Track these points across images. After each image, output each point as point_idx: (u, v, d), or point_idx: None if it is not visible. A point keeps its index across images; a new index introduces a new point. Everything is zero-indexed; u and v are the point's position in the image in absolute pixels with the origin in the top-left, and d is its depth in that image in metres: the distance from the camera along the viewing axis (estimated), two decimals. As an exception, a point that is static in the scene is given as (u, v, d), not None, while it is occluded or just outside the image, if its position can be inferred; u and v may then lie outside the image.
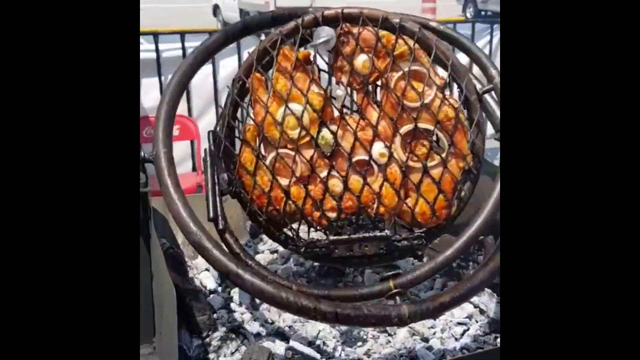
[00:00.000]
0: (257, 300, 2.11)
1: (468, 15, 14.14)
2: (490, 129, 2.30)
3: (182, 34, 3.48)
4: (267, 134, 1.45)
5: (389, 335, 1.95)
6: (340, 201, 1.50)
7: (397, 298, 1.44)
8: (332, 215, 1.51)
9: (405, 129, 1.49)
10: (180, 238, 2.37)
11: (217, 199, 1.50)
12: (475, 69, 1.92)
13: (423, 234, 1.60)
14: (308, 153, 1.46)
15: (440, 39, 1.55)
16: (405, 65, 1.47)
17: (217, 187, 1.51)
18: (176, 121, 1.67)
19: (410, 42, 1.46)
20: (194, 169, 3.57)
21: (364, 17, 1.46)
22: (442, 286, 2.18)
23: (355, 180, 1.50)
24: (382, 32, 1.47)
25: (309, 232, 1.56)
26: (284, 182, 1.47)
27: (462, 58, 1.99)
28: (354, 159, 1.49)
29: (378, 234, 1.57)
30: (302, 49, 1.52)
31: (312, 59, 1.52)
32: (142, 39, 3.30)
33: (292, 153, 1.46)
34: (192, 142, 3.52)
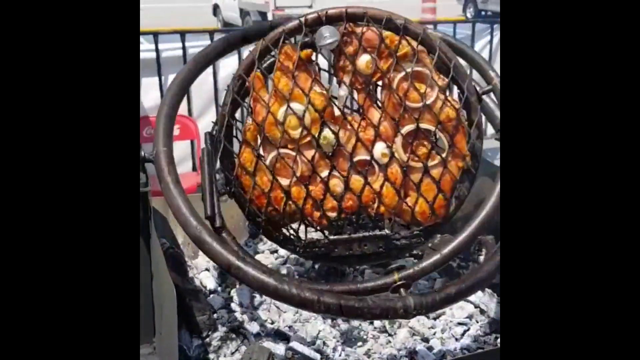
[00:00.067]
0: (257, 300, 2.12)
1: (468, 15, 14.13)
2: (489, 129, 2.30)
3: (182, 34, 3.48)
4: (268, 134, 1.44)
5: (389, 335, 1.95)
6: (341, 201, 1.50)
7: (402, 290, 1.41)
8: (333, 215, 1.51)
9: (406, 129, 1.49)
10: (180, 238, 2.37)
11: (215, 197, 1.50)
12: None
13: (421, 233, 1.60)
14: (308, 153, 1.46)
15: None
16: (408, 65, 1.46)
17: (214, 186, 1.51)
18: (176, 121, 1.67)
19: (414, 43, 1.46)
20: (194, 168, 3.57)
21: (368, 17, 1.45)
22: (443, 286, 2.18)
23: (356, 180, 1.50)
24: (386, 33, 1.46)
25: (305, 231, 1.55)
26: (284, 182, 1.46)
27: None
28: (355, 159, 1.49)
29: (378, 233, 1.58)
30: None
31: (313, 58, 1.52)
32: (142, 39, 3.30)
33: (293, 153, 1.46)
34: (192, 142, 3.52)
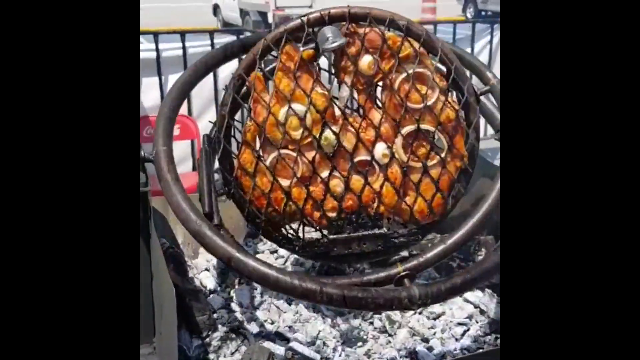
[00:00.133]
0: (257, 301, 2.12)
1: (468, 15, 14.13)
2: (488, 130, 2.30)
3: (182, 34, 3.47)
4: (269, 135, 1.44)
5: (389, 335, 1.95)
6: (341, 201, 1.50)
7: (406, 281, 1.40)
8: (333, 215, 1.51)
9: (407, 129, 1.49)
10: (180, 238, 2.37)
11: (213, 195, 1.49)
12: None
13: (419, 231, 1.61)
14: (309, 153, 1.46)
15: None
16: (410, 67, 1.46)
17: (212, 185, 1.51)
18: (176, 120, 1.68)
19: (416, 44, 1.46)
20: (194, 168, 3.57)
21: (371, 17, 1.44)
22: (442, 286, 2.18)
23: (356, 180, 1.50)
24: (388, 34, 1.46)
25: (303, 231, 1.55)
26: (284, 182, 1.46)
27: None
28: (355, 159, 1.48)
29: (377, 231, 1.58)
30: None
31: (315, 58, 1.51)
32: (142, 39, 3.30)
33: (293, 154, 1.45)
34: (192, 142, 3.52)
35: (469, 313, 2.03)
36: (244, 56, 1.58)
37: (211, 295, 2.12)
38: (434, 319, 2.02)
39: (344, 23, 1.45)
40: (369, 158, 1.49)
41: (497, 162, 1.91)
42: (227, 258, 1.32)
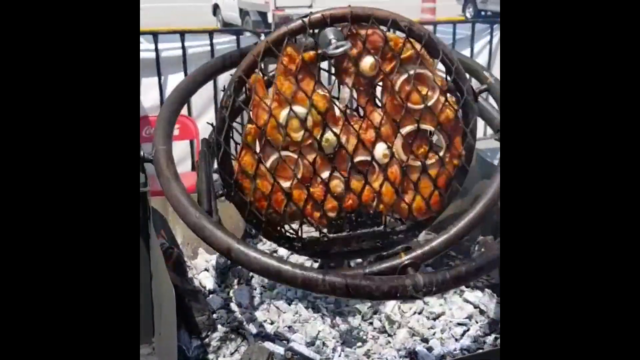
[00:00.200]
0: (256, 301, 2.12)
1: (468, 15, 14.12)
2: (488, 130, 2.30)
3: (182, 34, 3.47)
4: (270, 137, 1.43)
5: (389, 335, 1.95)
6: (341, 201, 1.50)
7: (410, 270, 1.39)
8: (333, 214, 1.51)
9: (407, 130, 1.50)
10: (179, 238, 2.37)
11: (212, 195, 1.49)
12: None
13: (416, 226, 1.62)
14: (310, 155, 1.45)
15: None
16: (411, 67, 1.46)
17: (211, 186, 1.51)
18: (176, 121, 1.68)
19: (417, 45, 1.45)
20: (193, 168, 3.57)
21: (373, 18, 1.43)
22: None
23: (356, 180, 1.50)
24: (390, 35, 1.45)
25: (301, 230, 1.55)
26: (285, 184, 1.46)
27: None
28: (356, 160, 1.48)
29: (376, 229, 1.58)
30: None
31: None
32: (141, 39, 3.30)
33: (294, 155, 1.45)
34: (191, 142, 3.52)
35: (468, 313, 2.03)
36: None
37: (210, 296, 2.12)
38: (434, 319, 2.02)
39: (346, 24, 1.44)
40: (369, 158, 1.49)
41: (497, 162, 1.91)
42: (226, 250, 1.30)
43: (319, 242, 1.57)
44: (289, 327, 1.97)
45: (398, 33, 1.48)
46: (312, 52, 1.42)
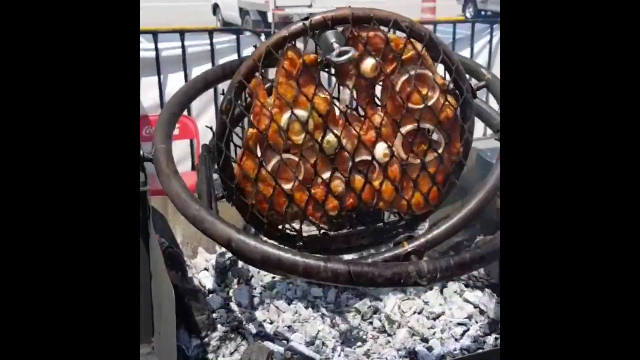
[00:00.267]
0: (256, 300, 2.12)
1: (468, 15, 14.13)
2: (483, 129, 2.30)
3: (182, 33, 3.47)
4: (271, 141, 1.43)
5: (389, 335, 1.95)
6: (342, 200, 1.51)
7: (414, 257, 1.38)
8: (334, 213, 1.52)
9: (407, 129, 1.50)
10: (179, 237, 2.37)
11: (213, 195, 1.49)
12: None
13: (414, 220, 1.64)
14: (311, 157, 1.46)
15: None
16: (412, 68, 1.46)
17: (211, 186, 1.51)
18: (176, 122, 1.70)
19: (418, 45, 1.45)
20: (193, 168, 3.57)
21: (374, 19, 1.43)
22: (442, 287, 2.18)
23: (357, 180, 1.51)
24: (391, 36, 1.45)
25: (301, 229, 1.56)
26: (286, 186, 1.46)
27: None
28: (356, 160, 1.49)
29: (376, 225, 1.59)
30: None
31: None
32: (141, 38, 3.30)
33: (295, 158, 1.45)
34: (191, 142, 3.52)
35: (468, 313, 2.03)
36: (243, 54, 1.56)
37: (210, 295, 2.12)
38: (434, 319, 2.02)
39: (347, 25, 1.44)
40: (369, 158, 1.49)
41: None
42: (227, 240, 1.28)
43: (320, 240, 1.57)
44: (289, 326, 1.97)
45: (398, 33, 1.48)
46: (313, 55, 1.42)
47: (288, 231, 1.57)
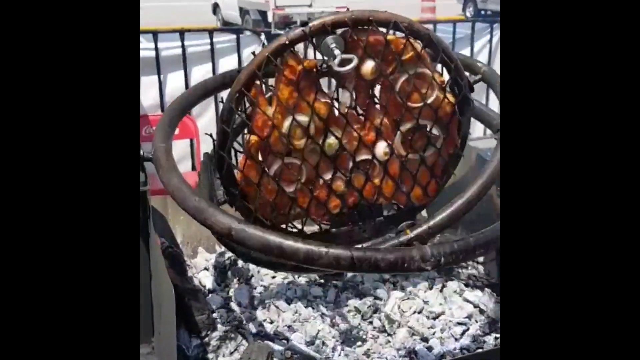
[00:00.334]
0: (256, 300, 2.12)
1: (468, 14, 14.13)
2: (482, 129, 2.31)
3: (182, 33, 3.47)
4: (273, 148, 1.43)
5: (389, 335, 1.95)
6: (344, 199, 1.52)
7: (417, 244, 1.37)
8: (336, 211, 1.53)
9: (406, 126, 1.51)
10: (179, 237, 2.37)
11: (214, 200, 1.50)
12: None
13: (413, 210, 1.64)
14: (313, 158, 1.47)
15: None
16: (411, 67, 1.46)
17: (213, 190, 1.52)
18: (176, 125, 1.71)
19: (417, 45, 1.45)
20: (193, 167, 3.57)
21: (373, 21, 1.43)
22: (442, 286, 2.18)
23: (358, 177, 1.52)
24: (390, 37, 1.45)
25: (303, 227, 1.56)
26: (288, 188, 1.47)
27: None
28: (357, 159, 1.50)
29: (377, 219, 1.60)
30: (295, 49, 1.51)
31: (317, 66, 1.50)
32: (141, 38, 3.30)
33: (297, 161, 1.46)
34: (191, 141, 3.52)
35: (468, 312, 2.03)
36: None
37: (210, 295, 2.12)
38: (434, 318, 2.02)
39: (346, 29, 1.43)
40: (370, 157, 1.50)
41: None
42: (227, 229, 1.26)
43: (322, 237, 1.58)
44: (289, 326, 1.97)
45: (398, 33, 1.48)
46: (313, 61, 1.42)
47: (290, 229, 1.58)
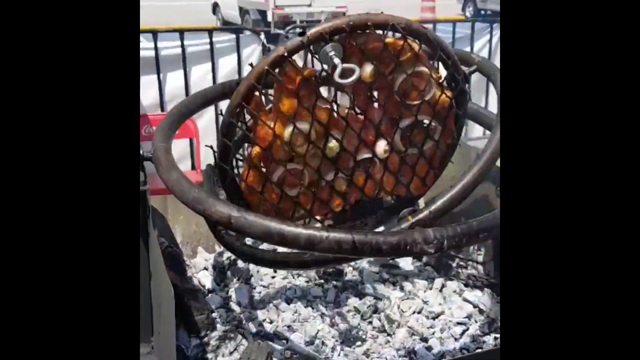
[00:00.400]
0: (256, 300, 2.12)
1: (467, 14, 14.13)
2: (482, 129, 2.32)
3: (181, 32, 3.47)
4: (276, 156, 1.43)
5: (388, 335, 1.95)
6: (346, 197, 1.53)
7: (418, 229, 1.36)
8: (338, 209, 1.55)
9: (405, 123, 1.53)
10: (179, 237, 2.37)
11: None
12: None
13: (412, 199, 1.65)
14: (313, 162, 1.47)
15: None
16: (409, 67, 1.46)
17: (217, 195, 1.53)
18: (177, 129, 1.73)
19: (414, 45, 1.45)
20: (192, 167, 3.57)
21: (371, 25, 1.42)
22: (442, 286, 2.18)
23: (359, 176, 1.54)
24: (388, 40, 1.45)
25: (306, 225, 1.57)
26: (291, 192, 1.48)
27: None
28: (358, 159, 1.51)
29: (377, 213, 1.62)
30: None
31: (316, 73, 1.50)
32: (141, 37, 3.30)
33: (300, 167, 1.46)
34: (191, 141, 3.52)
35: (468, 312, 2.03)
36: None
37: (210, 295, 2.12)
38: (433, 318, 2.02)
39: (344, 35, 1.43)
40: (370, 155, 1.51)
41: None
42: (227, 218, 1.25)
43: None
44: (288, 326, 1.97)
45: (396, 33, 1.48)
46: (312, 70, 1.42)
47: None
